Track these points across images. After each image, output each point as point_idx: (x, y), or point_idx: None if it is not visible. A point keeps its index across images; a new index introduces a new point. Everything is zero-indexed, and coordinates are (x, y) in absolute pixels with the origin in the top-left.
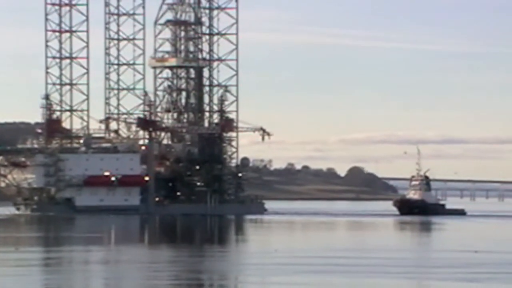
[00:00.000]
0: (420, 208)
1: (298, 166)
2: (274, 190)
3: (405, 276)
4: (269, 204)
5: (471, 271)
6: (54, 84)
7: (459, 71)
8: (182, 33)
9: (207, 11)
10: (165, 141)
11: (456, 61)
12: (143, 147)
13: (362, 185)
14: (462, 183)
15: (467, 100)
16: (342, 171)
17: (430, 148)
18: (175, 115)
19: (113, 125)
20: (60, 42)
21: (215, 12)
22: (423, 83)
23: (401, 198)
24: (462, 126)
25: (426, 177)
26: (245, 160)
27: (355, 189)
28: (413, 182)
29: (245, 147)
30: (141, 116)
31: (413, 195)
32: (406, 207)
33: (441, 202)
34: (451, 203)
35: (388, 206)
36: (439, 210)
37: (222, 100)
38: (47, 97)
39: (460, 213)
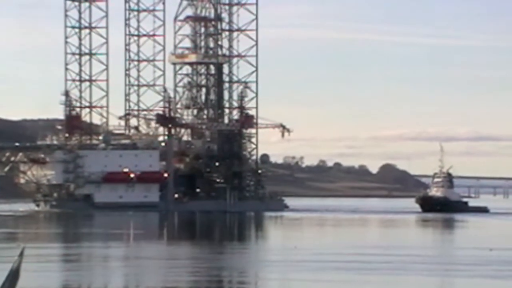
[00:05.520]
0: (443, 205)
1: (330, 163)
2: (306, 187)
3: (426, 273)
4: (299, 201)
5: (493, 268)
6: (73, 80)
7: (492, 66)
8: (202, 29)
9: (227, 7)
10: (185, 138)
11: (490, 56)
12: (162, 144)
13: (394, 182)
14: (496, 180)
15: (499, 97)
16: (374, 168)
17: (462, 145)
18: (195, 111)
19: (133, 121)
20: (80, 39)
21: (235, 8)
22: (454, 79)
23: (424, 195)
24: (494, 123)
25: (449, 174)
26: (264, 156)
27: (387, 186)
28: (436, 179)
29: (273, 144)
30: (161, 112)
31: (435, 192)
32: (429, 204)
33: (464, 200)
34: (483, 201)
35: (412, 203)
36: (462, 207)
37: (242, 97)
38: (66, 93)
39: (483, 210)
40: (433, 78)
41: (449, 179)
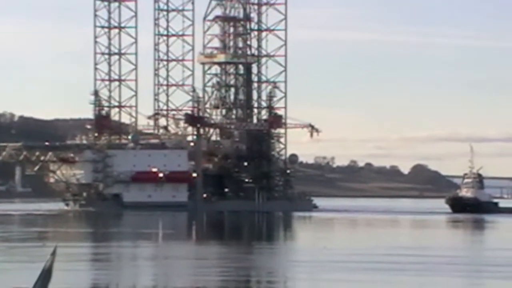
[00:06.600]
0: (473, 206)
1: (361, 164)
2: (337, 187)
3: (457, 274)
4: (330, 202)
5: None
6: (103, 80)
7: None
8: (231, 29)
9: (256, 7)
10: (213, 138)
11: None
12: (191, 144)
13: (426, 183)
14: None
15: None
16: (405, 169)
17: (495, 146)
18: (224, 111)
19: (161, 121)
20: (109, 38)
21: (264, 8)
22: (486, 80)
23: (454, 196)
24: None
25: (479, 175)
26: (293, 156)
27: (419, 187)
28: (466, 180)
29: (304, 144)
30: (189, 112)
31: (465, 193)
32: (459, 205)
33: (495, 200)
34: None
35: (443, 204)
36: (492, 208)
37: (270, 97)
38: (96, 93)
39: None
40: (464, 79)
41: (479, 180)
